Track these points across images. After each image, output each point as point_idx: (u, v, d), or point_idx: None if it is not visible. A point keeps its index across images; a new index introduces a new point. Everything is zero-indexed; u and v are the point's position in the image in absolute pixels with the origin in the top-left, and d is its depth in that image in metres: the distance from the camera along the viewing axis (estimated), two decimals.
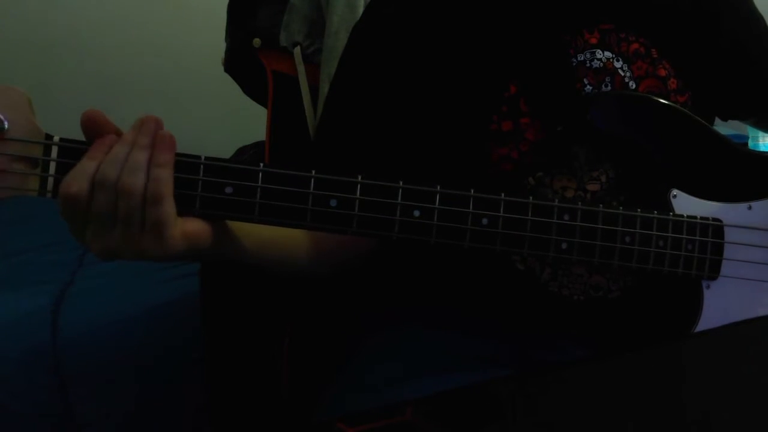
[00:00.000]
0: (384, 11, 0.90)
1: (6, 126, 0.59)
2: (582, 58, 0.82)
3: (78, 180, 0.60)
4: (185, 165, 0.64)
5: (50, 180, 0.61)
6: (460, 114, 0.83)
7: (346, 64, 0.92)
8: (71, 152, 0.62)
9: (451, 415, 0.65)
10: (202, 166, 0.64)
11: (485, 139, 0.81)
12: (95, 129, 0.62)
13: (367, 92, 0.87)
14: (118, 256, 0.63)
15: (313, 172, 0.66)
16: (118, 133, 0.63)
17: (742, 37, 0.89)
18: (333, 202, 0.66)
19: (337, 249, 0.83)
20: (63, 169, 0.61)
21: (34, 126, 0.61)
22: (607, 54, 0.83)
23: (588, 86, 0.82)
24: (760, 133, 1.69)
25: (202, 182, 0.64)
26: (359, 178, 0.67)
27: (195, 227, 0.64)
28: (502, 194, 0.71)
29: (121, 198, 0.60)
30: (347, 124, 0.88)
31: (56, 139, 0.62)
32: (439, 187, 0.69)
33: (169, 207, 0.61)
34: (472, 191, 0.70)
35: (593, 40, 0.83)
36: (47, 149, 0.61)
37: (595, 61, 0.82)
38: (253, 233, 0.72)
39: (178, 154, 0.63)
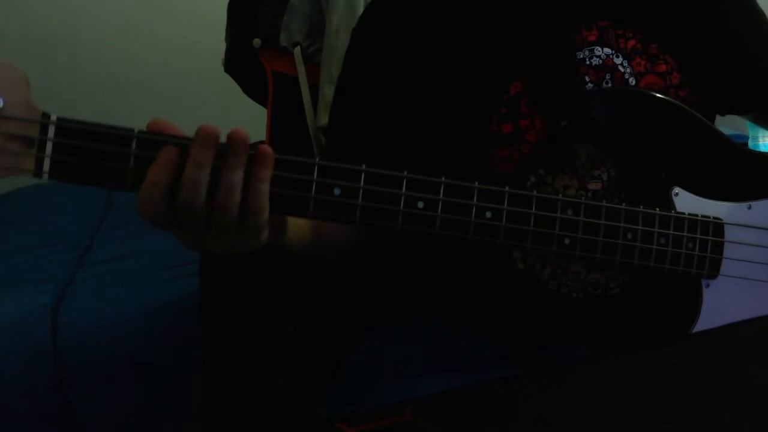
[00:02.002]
0: (383, 14, 0.90)
1: (1, 104, 0.57)
2: (581, 56, 0.82)
3: (150, 204, 0.59)
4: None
5: (46, 161, 0.59)
6: (460, 115, 0.83)
7: (346, 67, 0.92)
8: (69, 132, 0.60)
9: (451, 415, 0.65)
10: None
11: (485, 141, 0.82)
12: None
13: (369, 95, 0.87)
14: (209, 250, 0.64)
15: (317, 159, 0.65)
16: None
17: (742, 30, 0.89)
18: (337, 191, 0.66)
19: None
20: (60, 149, 0.59)
21: (31, 104, 0.59)
22: (607, 50, 0.83)
23: (589, 83, 0.82)
24: (760, 133, 1.69)
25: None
26: (363, 166, 0.66)
27: (275, 223, 0.66)
28: (507, 187, 0.71)
29: (217, 214, 0.60)
30: (351, 128, 0.89)
31: (53, 117, 0.59)
32: (443, 178, 0.69)
33: (267, 214, 0.63)
34: (477, 183, 0.70)
35: (592, 38, 0.83)
36: (44, 128, 0.59)
37: (595, 58, 0.82)
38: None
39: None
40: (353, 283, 1.02)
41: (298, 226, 0.75)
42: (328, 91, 1.27)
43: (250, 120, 1.52)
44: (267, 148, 0.62)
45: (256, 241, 0.64)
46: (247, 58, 1.34)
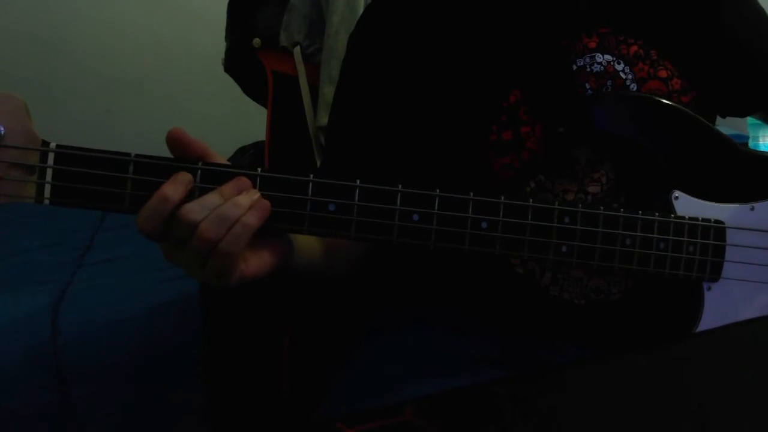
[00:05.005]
0: (380, 21, 0.90)
1: (2, 132, 0.59)
2: (582, 63, 0.82)
3: (152, 221, 0.62)
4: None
5: (47, 187, 0.61)
6: (460, 124, 0.82)
7: (344, 76, 0.92)
8: (68, 159, 0.61)
9: (451, 415, 0.64)
10: (200, 171, 0.63)
11: (485, 150, 0.81)
12: (182, 147, 0.63)
13: (367, 106, 0.87)
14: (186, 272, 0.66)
15: (311, 176, 0.65)
16: (205, 151, 0.63)
17: (743, 32, 0.88)
18: (332, 207, 0.66)
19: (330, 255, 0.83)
20: (60, 176, 0.61)
21: (31, 132, 0.61)
22: (608, 57, 0.82)
23: (589, 90, 0.82)
24: (760, 133, 1.69)
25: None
26: (357, 182, 0.67)
27: (254, 270, 0.66)
28: (502, 197, 0.71)
29: (195, 239, 0.61)
30: (350, 136, 0.88)
31: (53, 145, 0.61)
32: (438, 191, 0.69)
33: (236, 262, 0.63)
34: (472, 194, 0.70)
35: (592, 44, 0.83)
36: (44, 156, 0.61)
37: (596, 65, 0.82)
38: (305, 250, 0.74)
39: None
40: (353, 285, 1.02)
41: (308, 250, 0.76)
42: (328, 91, 1.27)
43: (250, 120, 1.53)
44: (269, 203, 0.63)
45: (217, 283, 0.65)
46: (247, 58, 1.34)
